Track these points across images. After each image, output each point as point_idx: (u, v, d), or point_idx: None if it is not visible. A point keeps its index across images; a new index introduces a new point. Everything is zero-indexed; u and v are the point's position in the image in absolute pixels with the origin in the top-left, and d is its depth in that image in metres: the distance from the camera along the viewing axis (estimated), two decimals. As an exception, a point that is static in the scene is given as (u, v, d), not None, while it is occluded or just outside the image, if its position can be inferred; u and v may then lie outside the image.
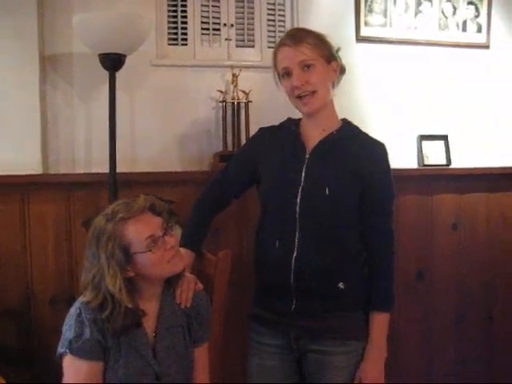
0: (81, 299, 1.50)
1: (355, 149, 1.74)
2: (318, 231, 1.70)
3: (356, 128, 1.82)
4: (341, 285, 1.71)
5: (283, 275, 1.72)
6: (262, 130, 1.92)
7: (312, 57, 1.70)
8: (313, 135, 1.77)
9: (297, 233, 1.71)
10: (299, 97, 1.72)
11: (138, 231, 1.48)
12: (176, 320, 1.59)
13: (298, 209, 1.71)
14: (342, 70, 1.80)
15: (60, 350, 1.47)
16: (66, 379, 1.48)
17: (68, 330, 1.47)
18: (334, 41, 1.79)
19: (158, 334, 1.56)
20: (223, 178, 1.94)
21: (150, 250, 1.48)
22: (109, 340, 1.47)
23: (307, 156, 1.75)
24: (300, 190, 1.71)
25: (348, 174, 1.70)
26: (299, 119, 1.84)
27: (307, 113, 1.77)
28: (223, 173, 1.96)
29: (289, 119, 1.86)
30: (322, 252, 1.69)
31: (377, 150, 1.77)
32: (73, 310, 1.50)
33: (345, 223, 1.72)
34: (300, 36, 1.73)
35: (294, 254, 1.70)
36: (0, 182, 2.28)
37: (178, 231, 1.72)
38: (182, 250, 1.76)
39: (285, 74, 1.74)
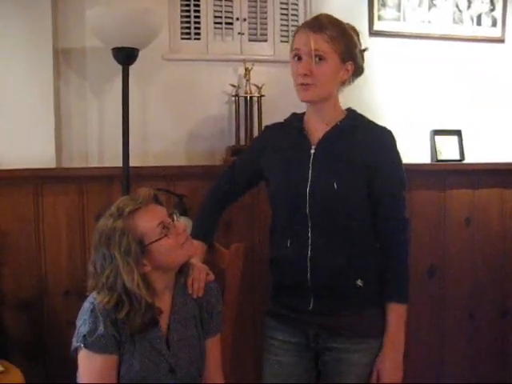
0: (94, 294, 1.50)
1: (361, 138, 1.70)
2: (331, 227, 1.68)
3: (360, 116, 1.77)
4: (359, 282, 1.68)
5: (299, 275, 1.69)
6: (266, 128, 1.90)
7: (326, 50, 1.64)
8: (317, 129, 1.74)
9: (309, 231, 1.69)
10: (301, 84, 1.68)
11: (149, 220, 1.49)
12: (188, 311, 1.60)
13: (307, 206, 1.68)
14: (358, 72, 1.74)
15: (75, 344, 1.49)
16: (81, 373, 1.50)
17: (82, 325, 1.48)
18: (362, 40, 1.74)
19: (171, 326, 1.56)
20: (231, 174, 1.93)
21: (166, 235, 1.49)
22: (123, 334, 1.48)
23: (312, 151, 1.71)
24: (308, 186, 1.68)
25: (355, 166, 1.67)
26: (303, 114, 1.80)
27: (302, 100, 1.72)
28: (231, 169, 1.95)
29: (293, 114, 1.83)
30: (336, 249, 1.67)
31: (383, 138, 1.73)
32: (86, 305, 1.51)
33: (357, 216, 1.69)
34: (323, 24, 1.65)
35: (309, 253, 1.68)
36: (14, 176, 2.29)
37: (181, 219, 1.73)
38: (194, 242, 1.75)
39: (296, 56, 1.69)
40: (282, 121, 1.86)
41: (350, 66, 1.69)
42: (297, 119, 1.80)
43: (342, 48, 1.65)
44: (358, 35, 1.73)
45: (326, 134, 1.72)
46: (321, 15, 1.73)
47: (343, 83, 1.73)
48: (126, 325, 1.46)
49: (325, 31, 1.64)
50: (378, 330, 1.71)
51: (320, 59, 1.64)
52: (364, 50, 1.75)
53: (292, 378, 1.78)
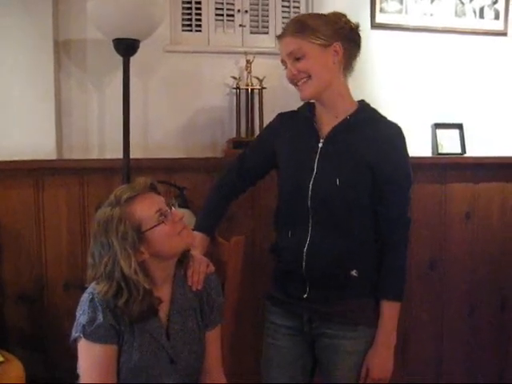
0: (93, 285, 1.51)
1: (369, 134, 1.69)
2: (330, 221, 1.69)
3: (372, 111, 1.76)
4: (354, 272, 1.70)
5: (296, 264, 1.71)
6: (279, 115, 1.89)
7: (298, 47, 1.65)
8: (326, 122, 1.74)
9: (309, 224, 1.70)
10: (297, 84, 1.70)
11: (146, 207, 1.49)
12: (188, 303, 1.60)
13: (310, 199, 1.69)
14: (354, 49, 1.73)
15: (74, 334, 1.49)
16: (80, 363, 1.50)
17: (81, 315, 1.48)
18: (352, 18, 1.72)
19: (171, 317, 1.57)
20: (240, 165, 1.92)
21: (163, 222, 1.49)
22: (122, 324, 1.48)
23: (320, 144, 1.72)
24: (312, 180, 1.69)
25: (360, 163, 1.67)
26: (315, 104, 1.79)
27: (302, 98, 1.74)
28: (240, 159, 1.93)
29: (306, 104, 1.81)
30: (334, 242, 1.68)
31: (391, 135, 1.72)
32: (86, 295, 1.51)
33: (357, 213, 1.70)
34: (288, 27, 1.69)
35: (306, 246, 1.70)
36: (14, 167, 2.30)
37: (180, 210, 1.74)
38: (196, 234, 1.77)
39: (284, 66, 1.73)
40: (295, 109, 1.86)
41: (337, 46, 1.67)
42: (309, 110, 1.79)
43: (315, 34, 1.65)
44: (344, 16, 1.72)
45: (335, 127, 1.71)
46: (292, 19, 1.77)
47: (341, 64, 1.70)
48: (125, 314, 1.47)
49: (290, 32, 1.67)
50: (371, 319, 1.72)
51: (300, 57, 1.66)
52: (357, 27, 1.73)
53: (287, 361, 1.81)
